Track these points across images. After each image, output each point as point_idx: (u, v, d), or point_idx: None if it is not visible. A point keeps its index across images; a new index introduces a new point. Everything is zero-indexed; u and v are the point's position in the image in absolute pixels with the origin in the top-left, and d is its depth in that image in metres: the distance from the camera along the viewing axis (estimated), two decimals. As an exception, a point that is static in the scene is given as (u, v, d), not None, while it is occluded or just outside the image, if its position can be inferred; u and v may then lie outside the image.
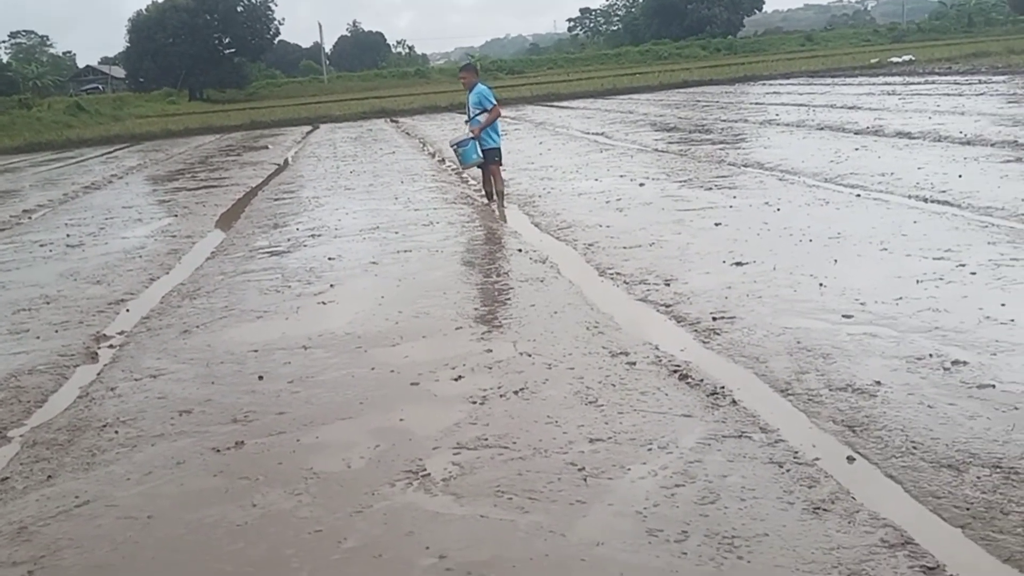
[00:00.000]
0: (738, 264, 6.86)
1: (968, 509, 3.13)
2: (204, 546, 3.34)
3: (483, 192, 11.40)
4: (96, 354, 6.08)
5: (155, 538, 3.43)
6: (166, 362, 5.64)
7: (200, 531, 3.44)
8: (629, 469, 3.61)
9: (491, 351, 5.30)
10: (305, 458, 4.01)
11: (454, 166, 15.87)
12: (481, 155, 10.61)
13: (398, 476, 3.72)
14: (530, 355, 5.16)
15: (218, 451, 4.17)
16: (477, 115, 10.57)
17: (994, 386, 4.11)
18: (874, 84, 29.73)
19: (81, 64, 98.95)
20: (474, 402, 4.49)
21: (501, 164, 11.03)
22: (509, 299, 6.62)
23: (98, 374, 5.58)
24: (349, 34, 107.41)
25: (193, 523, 3.51)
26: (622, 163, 14.19)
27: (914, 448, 3.60)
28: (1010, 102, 18.67)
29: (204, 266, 8.73)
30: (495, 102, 10.81)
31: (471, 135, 10.46)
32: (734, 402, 4.24)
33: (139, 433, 4.48)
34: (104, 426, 4.61)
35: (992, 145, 12.04)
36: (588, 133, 20.71)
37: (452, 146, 10.94)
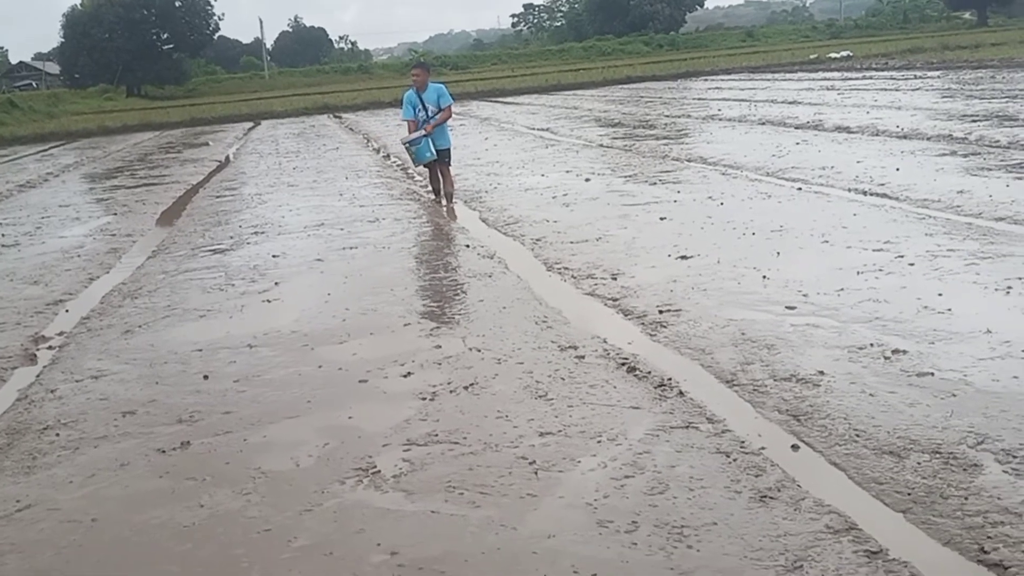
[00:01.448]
0: (683, 258, 6.94)
1: (909, 494, 3.20)
2: (150, 548, 3.28)
3: (430, 188, 11.34)
4: (35, 356, 5.95)
5: (99, 541, 3.36)
6: (108, 363, 5.54)
7: (146, 533, 3.38)
8: (579, 462, 3.64)
9: (440, 347, 5.29)
10: (253, 457, 3.97)
11: (400, 162, 15.82)
12: (435, 153, 10.50)
13: (348, 474, 3.70)
14: (479, 350, 5.16)
15: (163, 452, 4.10)
16: (435, 113, 10.44)
17: (933, 374, 4.21)
18: (813, 79, 30.23)
19: (14, 60, 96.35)
20: (424, 398, 4.48)
21: (450, 164, 10.92)
22: (457, 295, 6.61)
23: (37, 376, 5.45)
24: (291, 29, 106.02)
25: (139, 525, 3.45)
26: (568, 159, 14.25)
27: (857, 436, 3.67)
28: (944, 97, 19.12)
29: (145, 265, 8.58)
30: (452, 101, 10.73)
31: (424, 132, 10.35)
32: (681, 393, 4.29)
33: (81, 435, 4.39)
34: (45, 429, 4.51)
35: (928, 139, 12.32)
36: (534, 129, 20.75)
37: (404, 143, 10.76)
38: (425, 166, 11.00)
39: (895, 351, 4.54)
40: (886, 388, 4.11)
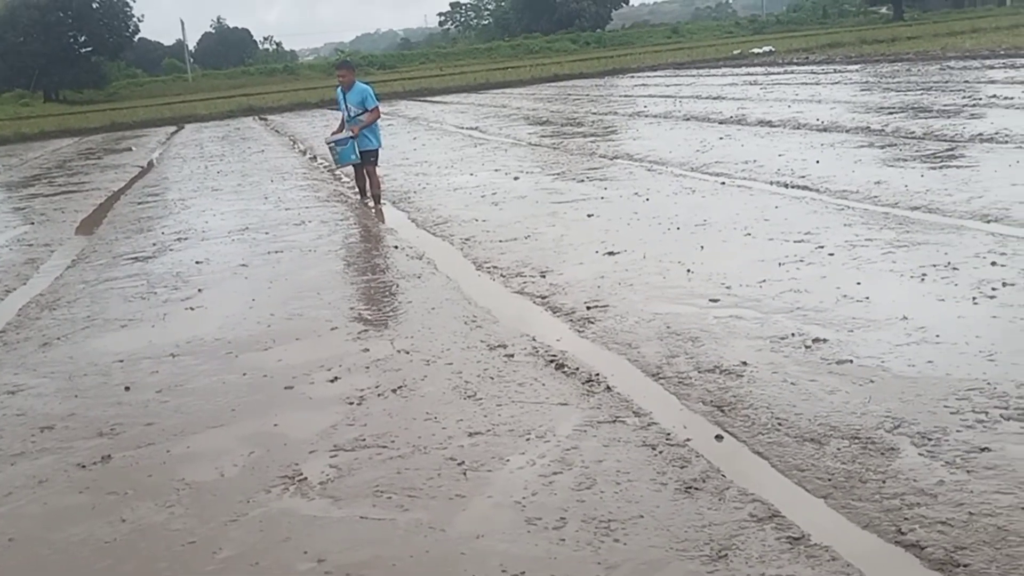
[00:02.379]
0: (610, 254, 6.99)
1: (830, 480, 3.27)
2: (70, 566, 3.20)
3: (356, 189, 11.24)
4: (-53, 372, 5.74)
5: (17, 561, 3.27)
6: (25, 377, 5.38)
7: (66, 551, 3.30)
8: (508, 460, 3.64)
9: (368, 350, 5.25)
10: (176, 469, 3.89)
11: (327, 164, 15.65)
12: (358, 156, 10.40)
13: (273, 482, 3.65)
14: (408, 352, 5.14)
15: (83, 467, 4.00)
16: (359, 114, 10.34)
17: (852, 361, 4.31)
18: (737, 75, 30.73)
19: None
20: (351, 403, 4.44)
21: (377, 165, 10.82)
22: (386, 297, 6.57)
23: (-50, 393, 5.27)
24: (213, 31, 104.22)
25: (58, 543, 3.35)
26: (497, 157, 14.27)
27: (779, 424, 3.74)
28: (863, 90, 19.59)
29: (64, 275, 8.36)
30: (377, 102, 10.63)
31: (350, 134, 10.25)
32: (608, 388, 4.32)
33: (-4, 453, 4.26)
34: (-43, 447, 4.36)
35: (847, 131, 12.62)
36: (462, 128, 20.73)
37: (328, 144, 10.66)
38: (352, 166, 10.89)
39: (815, 340, 4.64)
40: (807, 376, 4.20)
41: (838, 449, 3.47)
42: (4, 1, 68.61)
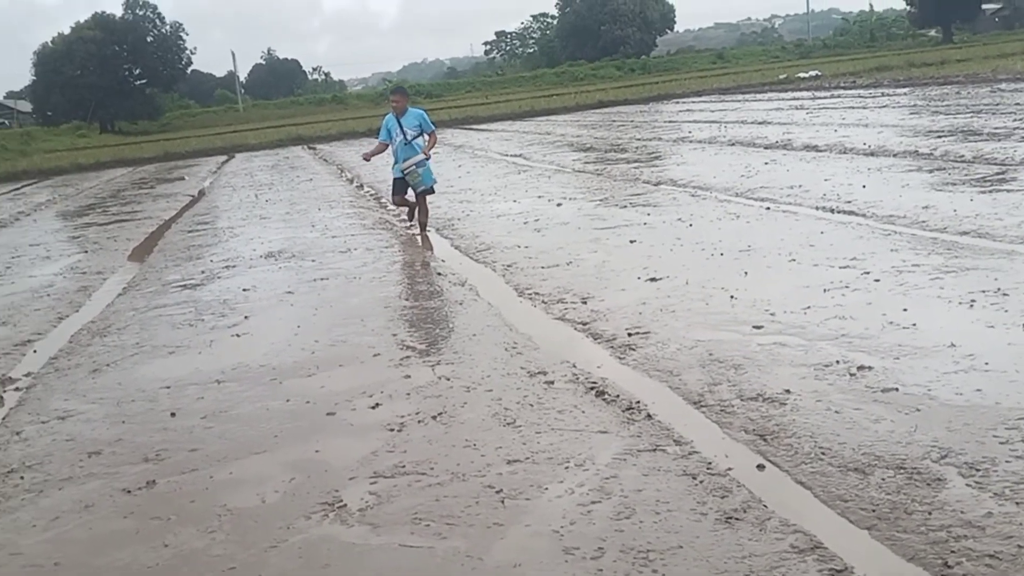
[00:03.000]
0: (652, 280, 6.96)
1: (874, 511, 3.21)
2: (113, 591, 3.24)
3: (400, 215, 11.29)
4: (1, 397, 5.88)
5: (61, 586, 3.32)
6: (75, 403, 5.48)
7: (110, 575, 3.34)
8: (546, 488, 3.63)
9: (409, 377, 5.27)
10: (218, 495, 3.93)
11: (374, 192, 15.84)
12: (436, 177, 10.42)
13: (314, 508, 3.67)
14: (448, 379, 5.15)
15: (129, 492, 4.06)
16: (415, 137, 10.39)
17: (897, 389, 4.24)
18: (783, 99, 30.56)
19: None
20: (391, 429, 4.46)
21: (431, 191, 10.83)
22: (428, 323, 6.61)
23: (2, 418, 5.39)
24: (264, 62, 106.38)
25: (102, 568, 3.40)
26: (540, 184, 14.31)
27: (822, 454, 3.68)
28: (911, 113, 19.37)
29: (115, 302, 8.52)
30: (433, 127, 10.69)
31: (424, 156, 10.28)
32: (649, 416, 4.29)
33: (46, 477, 4.34)
34: (9, 472, 4.45)
35: (894, 155, 12.47)
36: (506, 155, 20.84)
37: (406, 169, 10.38)
38: (393, 189, 10.88)
39: (861, 367, 4.57)
40: (852, 405, 4.13)
41: (883, 479, 3.40)
42: (61, 36, 70.60)
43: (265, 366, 5.83)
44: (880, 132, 15.72)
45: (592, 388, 4.75)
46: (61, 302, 8.87)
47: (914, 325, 5.15)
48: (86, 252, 12.33)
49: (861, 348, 4.87)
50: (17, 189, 28.64)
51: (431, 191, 10.74)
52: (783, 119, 21.57)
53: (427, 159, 10.32)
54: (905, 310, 5.44)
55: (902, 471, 3.45)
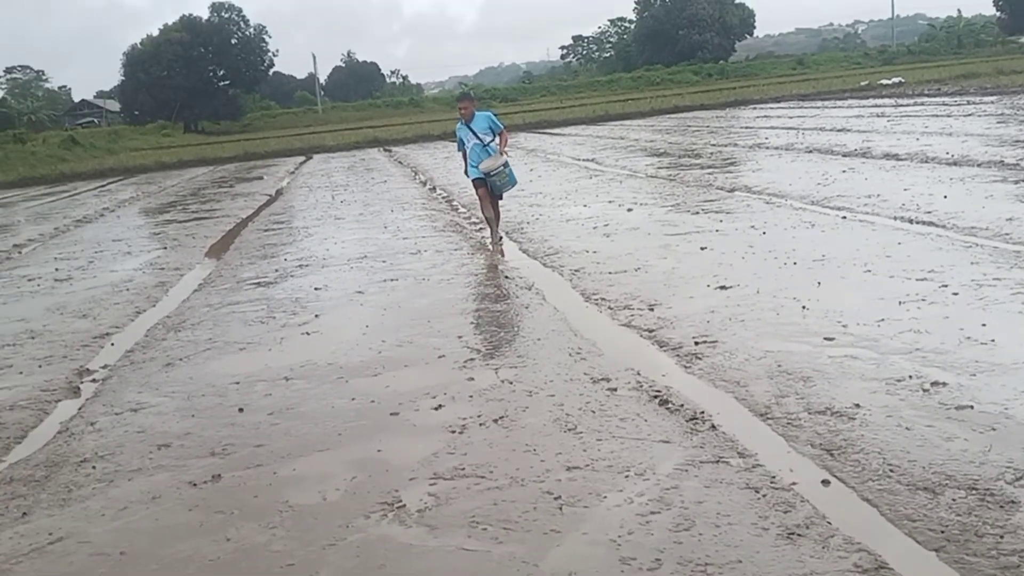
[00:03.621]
0: (722, 288, 6.86)
1: (943, 532, 3.10)
2: (176, 582, 3.31)
3: (470, 218, 11.26)
4: (78, 388, 6.06)
5: (126, 575, 3.39)
6: (147, 395, 5.62)
7: (173, 567, 3.41)
8: (605, 497, 3.59)
9: (473, 379, 5.28)
10: (281, 491, 3.99)
11: (446, 194, 15.94)
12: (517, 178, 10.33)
13: (373, 508, 3.70)
14: (511, 383, 5.15)
15: (195, 485, 4.14)
16: (489, 142, 10.25)
17: (972, 407, 4.10)
18: (863, 106, 29.92)
19: (76, 98, 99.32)
20: (453, 431, 4.47)
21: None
22: (493, 326, 6.61)
23: (79, 409, 5.56)
24: (344, 65, 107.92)
25: (166, 559, 3.47)
26: (611, 189, 14.24)
27: (891, 471, 3.58)
28: (999, 122, 18.77)
29: (191, 298, 8.72)
30: (503, 126, 10.52)
31: (506, 157, 10.09)
32: (713, 427, 4.23)
33: (116, 468, 4.45)
34: (82, 461, 4.59)
35: (979, 165, 12.09)
36: (579, 159, 20.79)
37: (492, 172, 10.01)
38: (477, 195, 10.44)
39: (934, 383, 4.43)
40: (923, 421, 4.01)
41: (953, 500, 3.29)
42: (150, 38, 72.71)
43: (333, 364, 5.90)
44: (964, 141, 15.27)
45: (656, 396, 4.70)
46: (139, 297, 9.11)
47: (992, 341, 4.98)
48: (165, 248, 12.66)
49: (936, 363, 4.73)
50: (103, 186, 29.58)
51: (500, 197, 10.55)
52: (863, 126, 21.11)
53: (507, 159, 10.08)
54: (984, 325, 5.26)
55: (974, 492, 3.33)
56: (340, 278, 8.94)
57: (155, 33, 74.30)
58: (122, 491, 4.16)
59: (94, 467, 4.49)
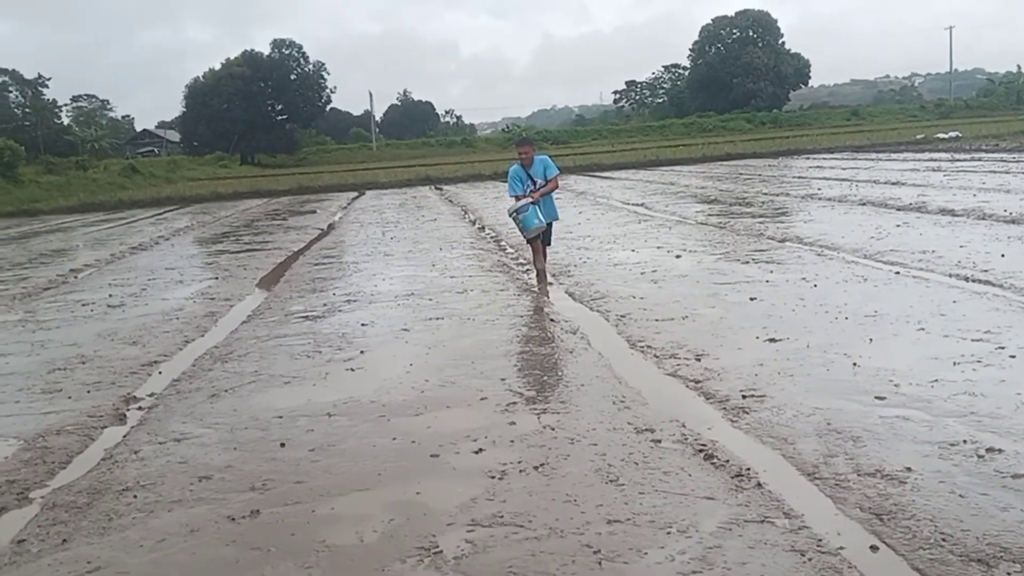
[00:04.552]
0: (771, 340, 6.76)
1: (998, 608, 2.99)
2: (209, 618, 3.29)
3: (520, 260, 11.21)
4: (124, 416, 6.12)
5: (161, 608, 3.39)
6: (191, 426, 5.66)
7: (207, 602, 3.40)
8: (646, 553, 3.52)
9: (514, 423, 5.24)
10: (319, 530, 3.97)
11: (494, 234, 15.99)
12: (543, 220, 10.04)
13: (410, 552, 3.66)
14: (553, 429, 5.10)
15: (233, 519, 4.14)
16: (543, 185, 10.18)
17: (1030, 476, 3.97)
18: (919, 160, 29.56)
19: (139, 128, 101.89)
20: (493, 477, 4.43)
21: (550, 243, 10.66)
22: (537, 370, 6.57)
23: (124, 436, 5.61)
24: (399, 103, 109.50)
25: (201, 594, 3.46)
26: (660, 234, 14.18)
27: (943, 540, 3.46)
28: (1058, 180, 18.40)
29: (239, 329, 8.80)
30: (558, 171, 10.41)
31: (529, 200, 9.93)
32: (759, 485, 4.13)
33: (157, 498, 4.47)
34: (124, 490, 4.61)
35: (1038, 224, 11.84)
36: (628, 203, 20.77)
37: (511, 214, 10.15)
38: (529, 242, 10.39)
39: (990, 449, 4.30)
40: (978, 489, 3.88)
41: (1008, 573, 3.17)
42: (212, 71, 74.51)
43: (376, 402, 5.90)
44: (1023, 199, 14.98)
45: (701, 450, 4.61)
46: (189, 326, 9.22)
47: (1052, 407, 4.83)
48: (216, 279, 12.82)
49: (991, 428, 4.59)
50: (159, 214, 30.15)
51: (548, 241, 10.42)
52: (918, 180, 20.84)
53: (533, 203, 9.96)
54: (1042, 391, 5.11)
55: (1031, 567, 3.21)
56: (386, 315, 8.97)
57: (217, 67, 76.15)
58: (162, 522, 4.17)
59: (135, 496, 4.51)
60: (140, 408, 6.29)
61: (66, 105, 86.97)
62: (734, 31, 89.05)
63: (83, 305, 10.95)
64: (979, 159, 27.62)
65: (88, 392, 6.74)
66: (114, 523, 4.20)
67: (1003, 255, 9.64)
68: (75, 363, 7.71)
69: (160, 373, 7.29)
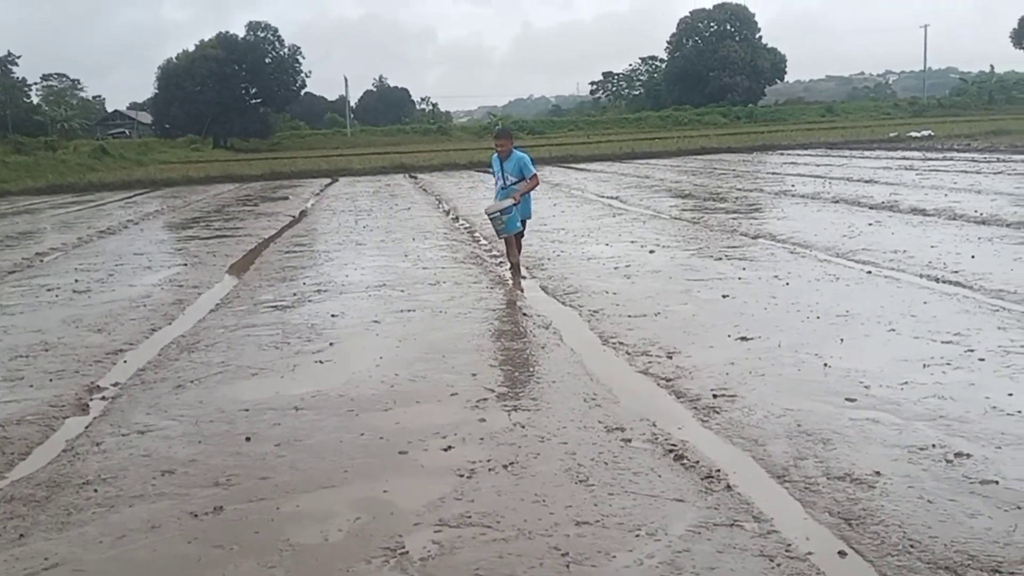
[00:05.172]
0: (743, 339, 6.76)
1: (965, 617, 2.98)
2: (169, 619, 3.22)
3: (492, 252, 11.18)
4: (87, 406, 6.01)
5: (119, 608, 3.31)
6: (156, 418, 5.56)
7: (167, 602, 3.32)
8: (614, 556, 3.48)
9: (484, 420, 5.19)
10: (283, 528, 3.90)
11: (468, 225, 15.91)
12: (520, 225, 9.86)
13: (375, 553, 3.60)
14: (524, 427, 5.05)
15: (196, 516, 4.06)
16: (515, 183, 10.02)
17: (998, 482, 3.97)
18: (892, 158, 29.77)
19: (110, 108, 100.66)
20: (461, 475, 4.37)
21: (523, 235, 10.51)
22: (508, 365, 6.52)
23: (86, 427, 5.51)
24: (375, 89, 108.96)
25: (161, 593, 3.39)
26: (634, 229, 14.17)
27: (911, 546, 3.46)
28: (1028, 182, 18.58)
29: (207, 318, 8.68)
30: (535, 171, 10.09)
31: (512, 202, 9.62)
32: (729, 487, 4.11)
33: (118, 493, 4.38)
34: (84, 483, 4.52)
35: (1008, 226, 11.94)
36: (603, 196, 20.75)
37: (491, 215, 9.79)
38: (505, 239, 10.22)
39: (958, 454, 4.31)
40: (946, 495, 3.88)
41: (976, 582, 3.17)
42: (185, 53, 73.72)
43: (344, 396, 5.83)
44: (994, 200, 15.12)
45: (671, 451, 4.59)
46: (156, 314, 9.09)
47: (1019, 412, 4.85)
48: (186, 265, 12.66)
49: (960, 432, 4.60)
50: (129, 198, 29.80)
51: (522, 234, 10.34)
52: (891, 179, 20.98)
53: (515, 204, 9.84)
54: (1010, 395, 5.13)
55: (997, 574, 3.20)
56: (357, 306, 8.88)
57: (191, 48, 75.38)
58: (122, 517, 4.09)
59: (96, 490, 4.42)
60: (104, 398, 6.17)
61: (36, 84, 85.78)
62: (712, 24, 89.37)
63: (48, 290, 10.76)
64: (951, 159, 27.86)
65: (50, 380, 6.61)
66: (73, 518, 4.11)
67: (973, 256, 9.70)
68: (38, 350, 7.57)
69: (125, 362, 7.17)
